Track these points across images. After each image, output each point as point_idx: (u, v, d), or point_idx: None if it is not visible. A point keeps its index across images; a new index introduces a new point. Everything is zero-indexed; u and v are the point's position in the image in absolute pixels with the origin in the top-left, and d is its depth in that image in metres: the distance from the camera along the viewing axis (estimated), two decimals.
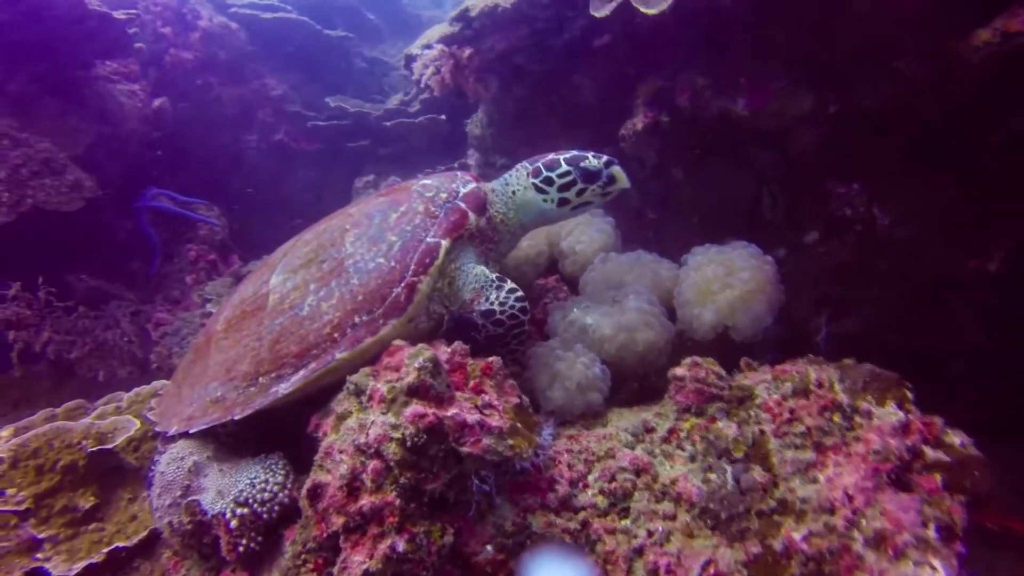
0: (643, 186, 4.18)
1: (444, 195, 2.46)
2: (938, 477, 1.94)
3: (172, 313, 4.16)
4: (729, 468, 2.06)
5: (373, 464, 1.89)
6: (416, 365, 1.95)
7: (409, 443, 1.86)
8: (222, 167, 5.91)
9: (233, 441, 2.55)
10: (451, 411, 1.92)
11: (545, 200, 2.45)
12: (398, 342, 2.17)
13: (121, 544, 2.32)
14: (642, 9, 2.94)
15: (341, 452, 1.96)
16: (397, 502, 1.86)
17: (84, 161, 4.15)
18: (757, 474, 2.02)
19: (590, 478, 2.13)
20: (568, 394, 2.33)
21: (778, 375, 2.28)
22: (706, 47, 3.22)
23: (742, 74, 3.19)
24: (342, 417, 2.03)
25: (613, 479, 2.10)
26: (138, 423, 2.73)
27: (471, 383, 2.08)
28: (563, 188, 2.42)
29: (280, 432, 2.47)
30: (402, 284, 2.27)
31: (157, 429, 2.57)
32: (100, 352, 3.62)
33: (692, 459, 2.14)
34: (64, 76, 4.19)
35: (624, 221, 4.32)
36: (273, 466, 2.25)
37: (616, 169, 2.43)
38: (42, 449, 2.52)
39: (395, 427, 1.88)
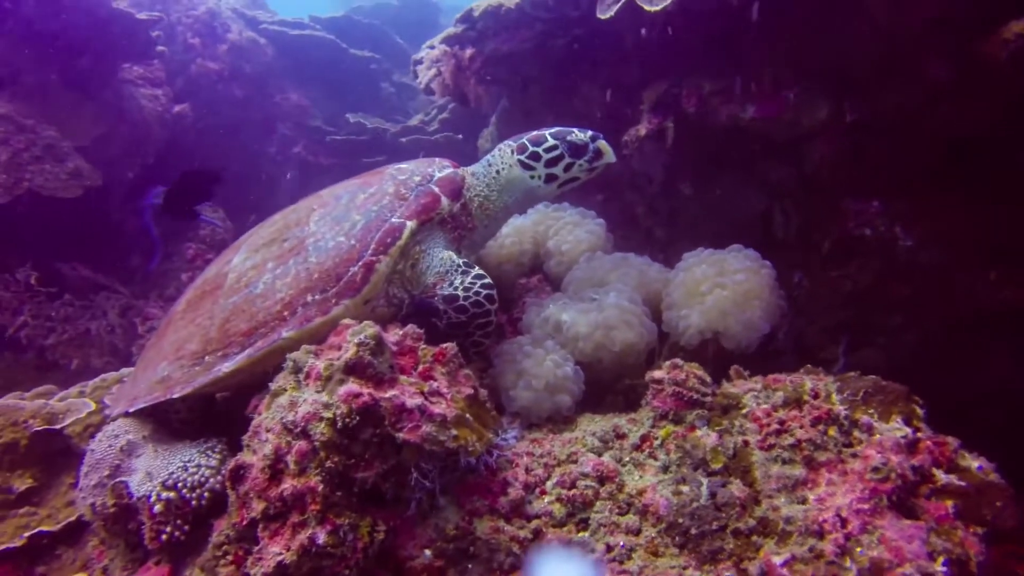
0: (651, 203, 4.00)
1: (418, 178, 2.34)
2: (950, 504, 1.67)
3: (164, 309, 4.10)
4: (705, 481, 1.81)
5: (299, 445, 1.71)
6: (356, 341, 1.78)
7: (340, 424, 1.68)
8: (241, 175, 5.95)
9: (186, 428, 2.40)
10: (390, 393, 1.73)
11: (532, 177, 2.33)
12: (347, 321, 2.00)
13: (46, 529, 2.16)
14: (645, 7, 2.82)
15: (268, 431, 1.79)
16: (320, 488, 1.67)
17: (95, 154, 4.19)
18: (736, 488, 1.77)
19: (548, 484, 1.90)
20: (534, 394, 2.12)
21: (769, 384, 2.04)
22: (716, 52, 3.07)
23: (753, 80, 3.02)
24: (276, 394, 1.87)
25: (573, 486, 1.87)
26: (93, 406, 2.61)
27: (420, 368, 1.90)
28: (550, 163, 2.29)
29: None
30: (359, 263, 2.12)
31: (105, 412, 2.44)
32: (79, 341, 3.55)
33: (665, 469, 1.90)
34: (86, 73, 4.28)
35: (634, 241, 4.13)
36: (210, 450, 2.08)
37: (602, 143, 2.31)
38: None
39: (327, 406, 1.70)
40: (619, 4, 2.97)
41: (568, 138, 2.30)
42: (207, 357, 2.16)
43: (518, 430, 2.16)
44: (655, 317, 2.40)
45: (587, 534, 1.80)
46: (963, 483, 1.70)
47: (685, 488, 1.80)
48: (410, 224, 2.18)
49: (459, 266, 2.20)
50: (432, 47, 3.49)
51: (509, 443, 2.07)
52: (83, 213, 4.22)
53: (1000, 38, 2.35)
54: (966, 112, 2.64)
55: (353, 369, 1.76)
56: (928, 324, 3.27)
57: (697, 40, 3.08)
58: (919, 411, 1.86)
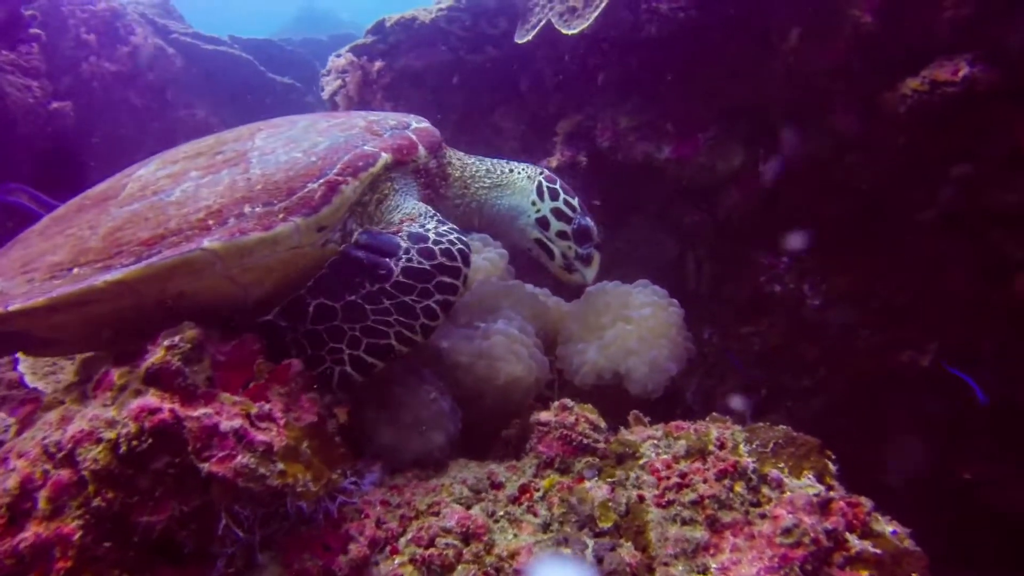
0: None
1: (393, 122, 2.03)
2: (865, 574, 1.43)
3: None
4: (591, 543, 1.50)
5: (58, 475, 1.28)
6: (167, 343, 1.40)
7: (123, 448, 1.27)
8: None
9: None
10: (200, 411, 1.34)
11: (533, 204, 2.15)
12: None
13: None
14: (563, 30, 2.70)
15: (21, 456, 1.34)
16: (77, 536, 1.23)
17: None
18: (626, 553, 1.47)
19: (401, 541, 1.53)
20: (399, 431, 1.77)
21: (671, 431, 1.79)
22: (634, 87, 2.98)
23: (670, 120, 2.93)
24: (47, 407, 1.44)
25: (431, 544, 1.51)
26: None
27: (251, 385, 1.52)
28: (557, 213, 2.13)
29: None
30: (321, 180, 1.73)
31: None
32: None
33: (545, 527, 1.57)
34: None
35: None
36: None
37: (598, 256, 2.21)
38: None
39: (110, 424, 1.30)
40: (536, 29, 2.84)
41: (587, 218, 2.18)
42: (77, 269, 1.59)
43: (378, 474, 1.79)
44: (551, 354, 2.13)
45: None
46: (878, 550, 1.47)
47: (567, 551, 1.48)
48: (385, 156, 1.84)
49: (434, 215, 1.88)
50: (339, 55, 3.25)
51: (363, 489, 1.70)
52: None
53: (899, 93, 2.35)
54: (871, 166, 2.62)
55: (156, 377, 1.37)
56: (834, 388, 3.18)
57: (615, 72, 2.98)
58: (832, 467, 1.65)
